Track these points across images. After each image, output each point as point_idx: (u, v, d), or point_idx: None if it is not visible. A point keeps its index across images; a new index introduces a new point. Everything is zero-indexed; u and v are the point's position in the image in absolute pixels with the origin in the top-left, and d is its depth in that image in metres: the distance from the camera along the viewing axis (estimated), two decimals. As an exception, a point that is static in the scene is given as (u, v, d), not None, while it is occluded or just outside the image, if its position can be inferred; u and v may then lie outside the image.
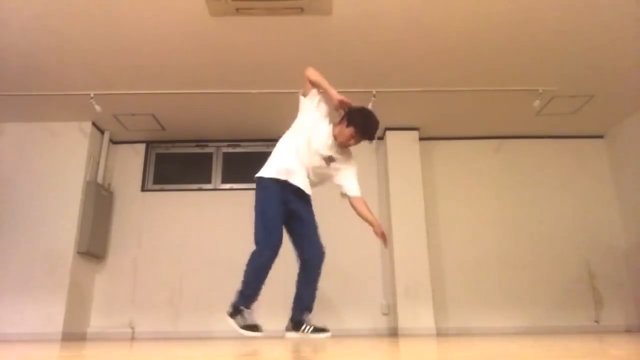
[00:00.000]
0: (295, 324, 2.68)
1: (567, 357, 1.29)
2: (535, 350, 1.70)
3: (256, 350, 2.04)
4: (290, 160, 2.75)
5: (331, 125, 2.78)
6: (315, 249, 2.81)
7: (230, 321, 2.60)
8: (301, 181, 2.72)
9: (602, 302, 4.74)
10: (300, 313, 2.71)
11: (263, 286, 2.76)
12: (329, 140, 2.74)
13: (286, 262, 5.25)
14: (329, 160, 2.77)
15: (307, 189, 2.76)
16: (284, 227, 2.79)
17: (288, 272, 4.75)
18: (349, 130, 2.67)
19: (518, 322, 4.65)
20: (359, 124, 2.66)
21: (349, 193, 2.80)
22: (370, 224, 2.75)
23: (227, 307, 2.68)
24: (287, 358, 1.52)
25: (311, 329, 2.62)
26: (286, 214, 2.74)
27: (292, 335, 2.65)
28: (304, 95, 2.81)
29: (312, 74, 2.76)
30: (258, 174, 2.82)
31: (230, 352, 1.91)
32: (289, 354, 1.75)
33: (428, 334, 4.32)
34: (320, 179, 2.84)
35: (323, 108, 2.80)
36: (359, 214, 2.82)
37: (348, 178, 2.81)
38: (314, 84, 2.76)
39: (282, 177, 2.70)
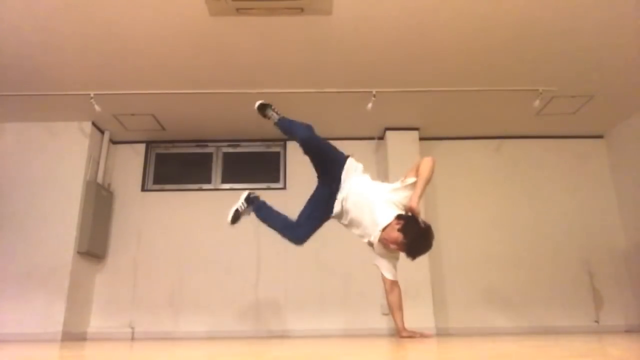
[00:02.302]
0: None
1: (567, 357, 1.29)
2: (535, 350, 1.70)
3: (256, 350, 2.04)
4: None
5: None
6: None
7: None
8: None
9: (602, 302, 4.74)
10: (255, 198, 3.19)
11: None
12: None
13: (287, 262, 5.26)
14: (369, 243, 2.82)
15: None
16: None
17: (288, 272, 4.78)
18: (396, 235, 2.56)
19: (518, 322, 4.65)
20: (409, 237, 2.54)
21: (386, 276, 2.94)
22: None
23: None
24: (287, 358, 1.53)
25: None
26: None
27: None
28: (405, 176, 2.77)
29: (430, 170, 2.73)
30: None
31: (230, 352, 1.91)
32: (288, 353, 1.75)
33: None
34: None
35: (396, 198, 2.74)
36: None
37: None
38: (421, 176, 2.72)
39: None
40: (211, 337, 4.37)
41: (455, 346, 2.10)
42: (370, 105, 4.26)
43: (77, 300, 4.42)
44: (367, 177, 2.89)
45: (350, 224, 2.84)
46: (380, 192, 2.73)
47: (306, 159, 5.13)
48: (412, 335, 2.88)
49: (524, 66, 3.97)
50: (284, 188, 5.07)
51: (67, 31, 3.46)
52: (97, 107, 4.23)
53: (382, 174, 5.08)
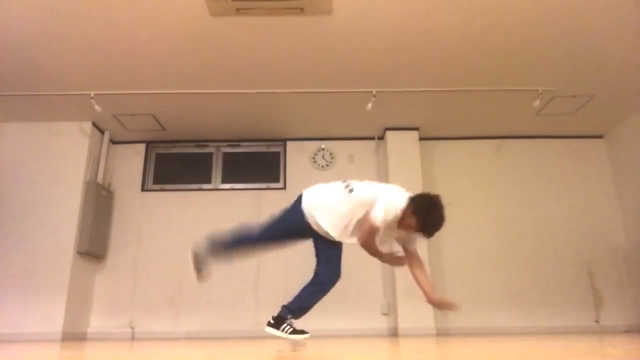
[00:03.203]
0: (277, 320, 2.67)
1: (567, 357, 1.29)
2: (535, 350, 1.70)
3: (255, 350, 2.04)
4: None
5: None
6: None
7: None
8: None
9: (602, 302, 4.74)
10: (285, 311, 2.71)
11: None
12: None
13: (287, 262, 5.26)
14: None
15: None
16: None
17: (288, 272, 4.77)
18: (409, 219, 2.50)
19: (518, 322, 4.65)
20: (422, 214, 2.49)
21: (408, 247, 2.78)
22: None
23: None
24: (287, 358, 1.52)
25: (290, 329, 2.62)
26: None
27: (271, 331, 2.65)
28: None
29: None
30: None
31: (230, 352, 1.91)
32: (288, 353, 1.75)
33: (428, 334, 4.32)
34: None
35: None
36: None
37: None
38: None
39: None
40: (211, 337, 4.36)
41: (455, 346, 2.10)
42: (370, 105, 4.26)
43: (77, 300, 4.42)
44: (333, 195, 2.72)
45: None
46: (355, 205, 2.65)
47: (306, 159, 5.14)
48: (443, 303, 2.79)
49: (524, 66, 3.97)
50: (284, 188, 5.07)
51: (67, 31, 3.46)
52: (97, 107, 4.23)
53: (382, 174, 5.08)
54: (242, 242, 2.86)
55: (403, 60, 3.88)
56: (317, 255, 2.80)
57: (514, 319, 4.67)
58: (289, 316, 2.69)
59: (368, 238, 2.59)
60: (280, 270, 4.79)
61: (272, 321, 2.67)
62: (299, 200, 2.76)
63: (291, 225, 2.76)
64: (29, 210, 4.46)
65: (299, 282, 4.73)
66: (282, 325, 2.63)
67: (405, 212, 2.51)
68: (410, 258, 2.78)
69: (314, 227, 2.67)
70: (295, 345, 2.46)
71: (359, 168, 5.15)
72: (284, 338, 2.61)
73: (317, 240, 2.76)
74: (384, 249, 2.77)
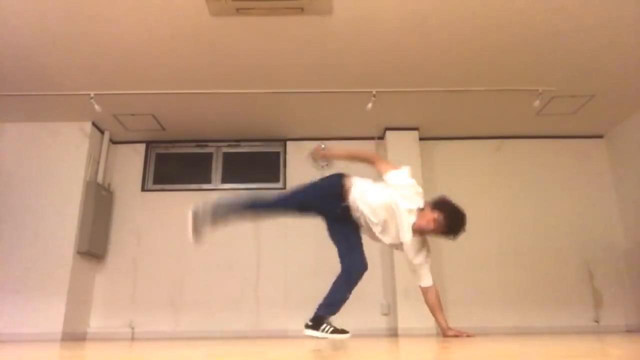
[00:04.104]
0: (315, 322, 2.64)
1: (567, 357, 1.29)
2: (535, 350, 1.70)
3: (256, 350, 2.04)
4: None
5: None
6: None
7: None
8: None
9: (602, 302, 4.74)
10: (323, 310, 2.68)
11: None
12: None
13: (286, 262, 5.26)
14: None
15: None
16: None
17: (288, 272, 4.77)
18: (433, 215, 2.60)
19: (518, 322, 4.65)
20: (446, 211, 2.62)
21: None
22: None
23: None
24: (287, 358, 1.52)
25: (331, 329, 2.59)
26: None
27: (311, 333, 2.62)
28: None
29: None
30: None
31: (230, 352, 1.91)
32: (288, 353, 1.75)
33: (428, 334, 4.32)
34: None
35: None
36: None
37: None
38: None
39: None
40: (211, 337, 4.36)
41: (455, 346, 2.10)
42: (370, 105, 4.26)
43: (77, 300, 4.42)
44: (365, 184, 2.83)
45: (382, 231, 2.79)
46: (388, 193, 2.71)
47: (306, 159, 5.07)
48: (459, 334, 2.87)
49: (524, 66, 3.97)
50: (284, 188, 5.07)
51: (67, 31, 3.46)
52: (97, 107, 4.23)
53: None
54: (255, 206, 2.84)
55: (403, 60, 3.88)
56: (342, 245, 2.80)
57: (514, 319, 4.67)
58: (327, 314, 2.66)
59: (370, 154, 2.74)
60: (281, 269, 4.79)
61: (310, 323, 2.64)
62: (337, 176, 2.81)
63: (326, 193, 2.75)
64: (29, 210, 4.46)
65: (299, 282, 4.75)
66: (321, 325, 2.60)
67: (425, 209, 2.63)
68: (426, 295, 2.91)
69: (353, 205, 2.68)
70: (336, 344, 2.44)
71: (359, 168, 5.13)
72: (325, 338, 2.58)
73: (342, 226, 2.74)
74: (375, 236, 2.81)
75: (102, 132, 4.96)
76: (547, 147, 5.23)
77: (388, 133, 5.04)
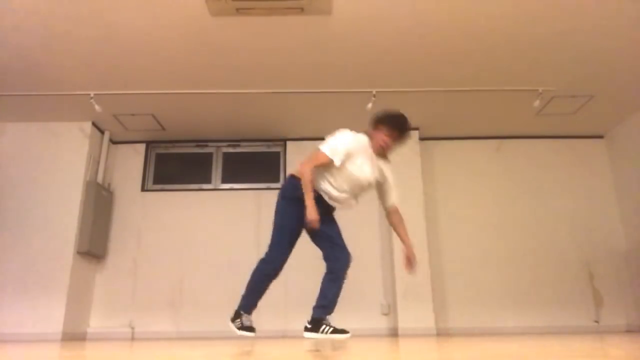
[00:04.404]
0: (314, 324, 2.64)
1: (567, 357, 1.29)
2: (535, 350, 1.70)
3: (256, 350, 2.04)
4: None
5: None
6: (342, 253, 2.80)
7: (230, 325, 2.65)
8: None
9: (602, 302, 4.74)
10: (320, 312, 2.68)
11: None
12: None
13: (286, 262, 5.22)
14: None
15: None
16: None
17: (288, 272, 4.76)
18: (382, 131, 2.66)
19: (518, 322, 4.65)
20: (389, 118, 2.68)
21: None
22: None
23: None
24: (287, 358, 1.52)
25: (330, 329, 2.59)
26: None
27: (311, 335, 2.62)
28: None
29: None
30: None
31: (230, 352, 1.91)
32: (288, 353, 1.75)
33: (428, 334, 4.32)
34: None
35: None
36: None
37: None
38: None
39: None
40: (211, 337, 4.36)
41: (455, 346, 2.10)
42: (370, 105, 4.26)
43: (77, 300, 4.42)
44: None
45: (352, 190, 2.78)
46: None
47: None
48: (410, 256, 2.87)
49: (524, 66, 3.97)
50: (284, 188, 5.07)
51: (67, 31, 3.45)
52: (97, 107, 4.23)
53: (382, 174, 5.08)
54: (263, 277, 2.87)
55: (403, 60, 3.88)
56: (325, 245, 2.79)
57: (514, 319, 4.67)
58: (324, 315, 2.66)
59: (307, 164, 2.61)
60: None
61: (309, 325, 2.64)
62: (290, 181, 2.77)
63: (292, 205, 2.73)
64: (29, 210, 4.46)
65: (299, 282, 4.75)
66: (320, 327, 2.60)
67: (372, 133, 2.68)
68: (392, 216, 2.90)
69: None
70: (335, 344, 2.44)
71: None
72: (325, 339, 2.58)
73: (321, 224, 2.73)
74: (352, 204, 2.80)
75: (102, 132, 4.96)
76: (547, 147, 5.23)
77: (388, 133, 5.03)
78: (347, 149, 2.63)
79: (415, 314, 4.46)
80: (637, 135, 4.75)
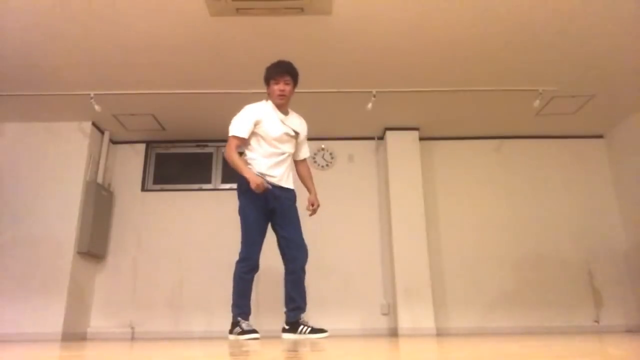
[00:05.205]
0: (292, 325, 2.66)
1: (567, 357, 1.29)
2: (535, 350, 1.70)
3: (255, 350, 2.04)
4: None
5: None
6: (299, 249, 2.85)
7: (231, 336, 2.68)
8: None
9: (602, 302, 4.75)
10: (294, 314, 2.70)
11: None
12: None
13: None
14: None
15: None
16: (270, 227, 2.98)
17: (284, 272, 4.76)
18: (271, 86, 2.97)
19: (518, 322, 4.66)
20: (270, 67, 2.97)
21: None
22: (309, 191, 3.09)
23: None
24: (287, 358, 1.52)
25: (309, 329, 2.61)
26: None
27: (290, 336, 2.63)
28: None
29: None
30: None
31: (230, 352, 1.91)
32: (288, 353, 1.75)
33: (428, 334, 4.32)
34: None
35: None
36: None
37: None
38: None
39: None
40: (211, 337, 4.36)
41: (455, 346, 2.10)
42: (370, 105, 4.26)
43: (77, 300, 4.42)
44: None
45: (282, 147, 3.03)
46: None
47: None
48: (314, 202, 3.10)
49: (524, 66, 3.97)
50: (284, 188, 5.07)
51: (67, 31, 3.46)
52: (97, 107, 4.23)
53: (382, 173, 5.09)
54: (245, 274, 2.92)
55: (403, 60, 3.88)
56: (283, 233, 2.93)
57: (514, 319, 4.68)
58: (299, 316, 2.67)
59: (227, 151, 2.92)
60: (279, 269, 4.78)
61: (286, 327, 2.65)
62: (240, 181, 2.95)
63: (248, 194, 2.94)
64: (29, 211, 4.46)
65: (299, 282, 4.73)
66: (298, 327, 2.61)
67: (268, 94, 3.02)
68: (300, 167, 3.23)
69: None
70: (315, 344, 2.45)
71: (359, 168, 5.15)
72: (304, 339, 2.59)
73: (279, 207, 2.92)
74: (286, 148, 3.03)
75: (102, 132, 4.96)
76: (547, 147, 5.23)
77: (388, 133, 5.04)
78: (250, 119, 2.91)
79: (415, 314, 4.46)
80: (637, 135, 4.75)
